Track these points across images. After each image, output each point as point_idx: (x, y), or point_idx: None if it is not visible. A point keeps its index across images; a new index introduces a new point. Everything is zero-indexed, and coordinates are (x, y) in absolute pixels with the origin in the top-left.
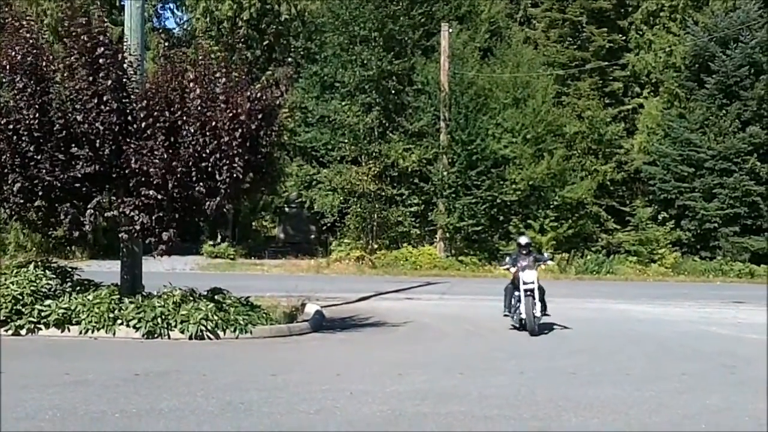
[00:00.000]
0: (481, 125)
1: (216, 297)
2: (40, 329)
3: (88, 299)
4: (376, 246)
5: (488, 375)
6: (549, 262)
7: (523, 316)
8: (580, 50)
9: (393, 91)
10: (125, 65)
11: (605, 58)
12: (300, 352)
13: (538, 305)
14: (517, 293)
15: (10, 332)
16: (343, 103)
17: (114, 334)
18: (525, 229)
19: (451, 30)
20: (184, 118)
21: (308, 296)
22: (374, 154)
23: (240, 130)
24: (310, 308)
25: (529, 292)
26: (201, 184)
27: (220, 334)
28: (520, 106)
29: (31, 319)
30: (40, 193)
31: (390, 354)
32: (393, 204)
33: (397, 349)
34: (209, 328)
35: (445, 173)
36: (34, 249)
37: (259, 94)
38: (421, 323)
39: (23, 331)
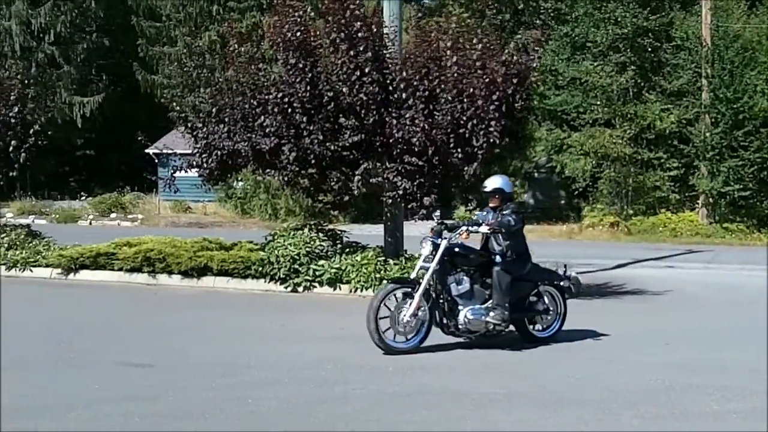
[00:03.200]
0: (749, 81)
1: None
2: (315, 287)
3: (356, 260)
4: (631, 212)
5: (760, 348)
6: None
7: None
8: None
9: (649, 49)
10: (383, 38)
11: None
12: None
13: None
14: None
15: (289, 289)
16: (595, 64)
17: None
18: None
19: None
20: (441, 86)
21: (562, 263)
22: (629, 116)
23: (496, 95)
24: None
25: None
26: (458, 150)
27: None
28: None
29: (307, 277)
30: (312, 162)
31: (653, 323)
32: (649, 168)
33: (661, 318)
34: None
35: (707, 134)
36: (302, 214)
37: (515, 58)
38: (683, 292)
39: (300, 288)
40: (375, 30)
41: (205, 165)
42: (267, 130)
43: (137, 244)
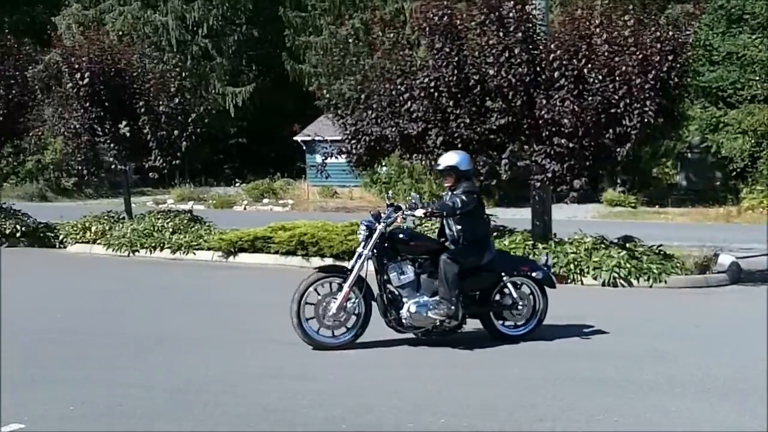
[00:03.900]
0: None
1: (627, 245)
2: None
3: (504, 244)
4: None
5: None
6: None
7: None
8: None
9: None
10: (531, 18)
11: None
12: (720, 303)
13: None
14: None
15: None
16: (754, 37)
17: None
18: None
19: None
20: (591, 65)
21: (720, 247)
22: None
23: (652, 73)
24: (725, 259)
25: None
26: (610, 131)
27: (633, 282)
28: None
29: None
30: (459, 145)
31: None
32: None
33: None
34: (622, 275)
35: None
36: None
37: (670, 34)
38: None
39: None
40: (526, 10)
41: (354, 151)
42: (414, 115)
43: (291, 229)
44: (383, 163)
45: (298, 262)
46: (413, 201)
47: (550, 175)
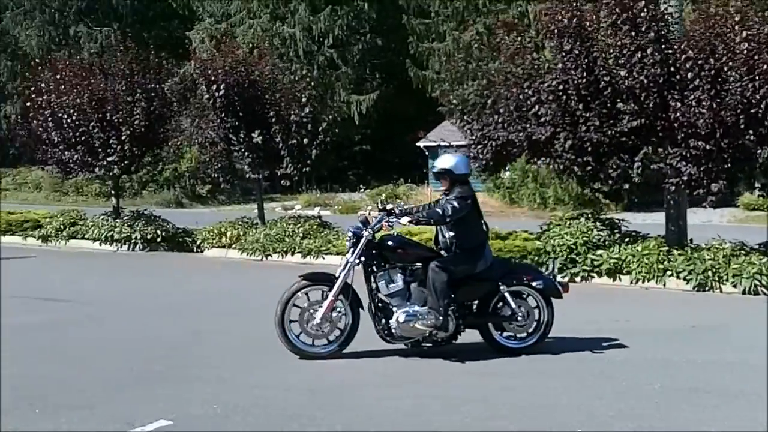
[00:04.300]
0: None
1: None
2: (593, 277)
3: (637, 250)
4: None
5: None
6: None
7: None
8: None
9: None
10: (665, 17)
11: None
12: None
13: None
14: None
15: (566, 279)
16: None
17: (664, 285)
18: None
19: None
20: (729, 63)
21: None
22: None
23: None
24: None
25: None
26: (750, 131)
27: None
28: None
29: (585, 267)
30: (588, 149)
31: None
32: None
33: None
34: (763, 283)
35: None
36: (571, 202)
37: None
38: None
39: (578, 279)
40: (657, 9)
41: (480, 156)
42: (542, 119)
43: (417, 234)
44: (506, 168)
45: None
46: (399, 207)
47: (686, 178)
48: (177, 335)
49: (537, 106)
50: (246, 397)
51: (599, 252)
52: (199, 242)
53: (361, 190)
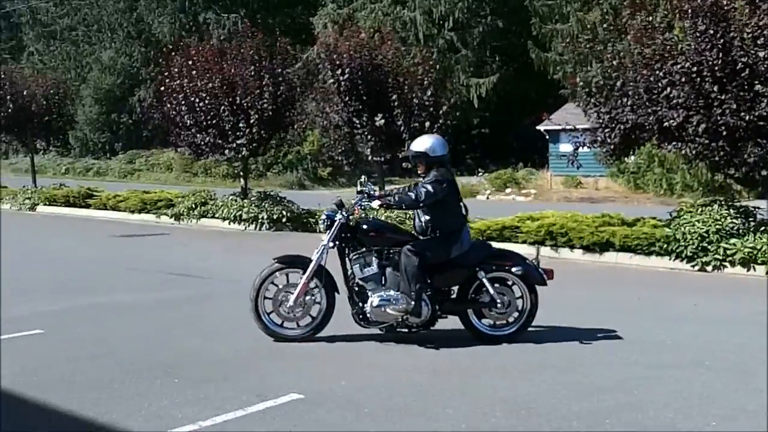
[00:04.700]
0: None
1: None
2: (725, 267)
3: None
4: None
5: None
6: None
7: None
8: None
9: None
10: None
11: None
12: None
13: None
14: None
15: (696, 268)
16: None
17: None
18: None
19: None
20: None
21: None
22: None
23: None
24: None
25: None
26: None
27: None
28: None
29: (717, 256)
30: (724, 134)
31: None
32: None
33: None
34: None
35: None
36: (700, 189)
37: None
38: None
39: (709, 268)
40: None
41: (608, 140)
42: (673, 101)
43: (539, 219)
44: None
45: (546, 252)
46: (370, 189)
47: None
48: None
49: (668, 89)
50: (373, 376)
51: (733, 241)
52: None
53: (479, 174)
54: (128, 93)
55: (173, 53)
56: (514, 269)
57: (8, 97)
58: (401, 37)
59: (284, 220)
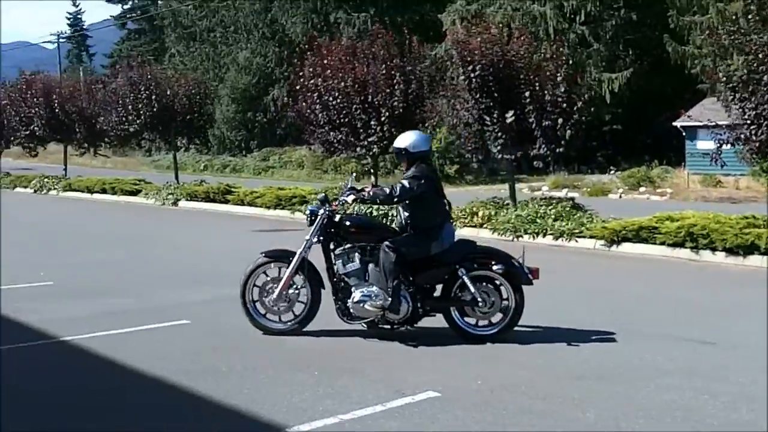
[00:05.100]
0: None
1: None
2: None
3: None
4: None
5: None
6: None
7: None
8: None
9: None
10: None
11: None
12: None
13: None
14: None
15: None
16: None
17: None
18: None
19: None
20: None
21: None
22: None
23: None
24: None
25: None
26: None
27: None
28: None
29: None
30: None
31: None
32: None
33: None
34: None
35: None
36: None
37: None
38: None
39: None
40: None
41: (753, 137)
42: None
43: (679, 219)
44: None
45: (685, 254)
46: (349, 185)
47: None
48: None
49: None
50: (510, 376)
51: None
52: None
53: (611, 172)
54: (263, 92)
55: (308, 53)
56: (494, 267)
57: (153, 97)
58: (531, 32)
59: None
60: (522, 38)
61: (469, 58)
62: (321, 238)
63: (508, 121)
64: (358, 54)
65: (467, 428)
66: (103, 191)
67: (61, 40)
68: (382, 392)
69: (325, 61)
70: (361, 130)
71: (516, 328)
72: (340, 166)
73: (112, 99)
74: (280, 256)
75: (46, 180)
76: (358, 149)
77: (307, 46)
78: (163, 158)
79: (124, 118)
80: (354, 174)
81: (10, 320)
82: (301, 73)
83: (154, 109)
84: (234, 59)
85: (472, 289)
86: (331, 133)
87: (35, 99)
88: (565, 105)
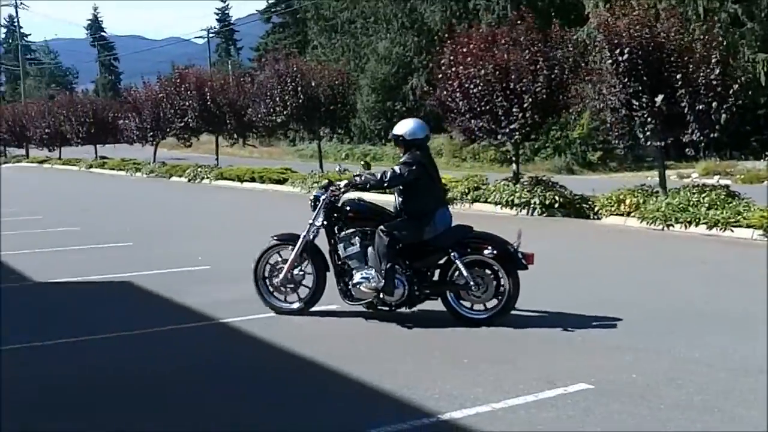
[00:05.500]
0: None
1: None
2: None
3: None
4: None
5: None
6: None
7: None
8: None
9: None
10: None
11: None
12: None
13: None
14: None
15: None
16: None
17: None
18: None
19: None
20: None
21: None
22: None
23: None
24: None
25: None
26: None
27: None
28: None
29: None
30: None
31: None
32: None
33: None
34: None
35: None
36: None
37: None
38: None
39: None
40: None
41: None
42: None
43: None
44: None
45: None
46: (339, 169)
47: None
48: (590, 302)
49: None
50: (665, 371)
51: None
52: (596, 209)
53: (767, 158)
54: (402, 81)
55: (448, 41)
56: (486, 252)
57: (299, 88)
58: (679, 12)
59: (556, 205)
60: (671, 19)
61: (616, 41)
62: (325, 222)
63: (658, 105)
64: (498, 40)
65: (623, 422)
66: (252, 180)
67: (210, 35)
68: (533, 382)
69: (465, 49)
70: (503, 118)
71: (656, 322)
72: (478, 154)
73: (260, 91)
74: (291, 240)
75: (199, 169)
76: (499, 137)
77: (446, 35)
78: (307, 147)
79: (271, 110)
80: (363, 162)
81: (172, 302)
82: (441, 62)
83: (300, 101)
84: (374, 49)
85: (465, 273)
86: (472, 121)
87: (189, 92)
88: (720, 88)
